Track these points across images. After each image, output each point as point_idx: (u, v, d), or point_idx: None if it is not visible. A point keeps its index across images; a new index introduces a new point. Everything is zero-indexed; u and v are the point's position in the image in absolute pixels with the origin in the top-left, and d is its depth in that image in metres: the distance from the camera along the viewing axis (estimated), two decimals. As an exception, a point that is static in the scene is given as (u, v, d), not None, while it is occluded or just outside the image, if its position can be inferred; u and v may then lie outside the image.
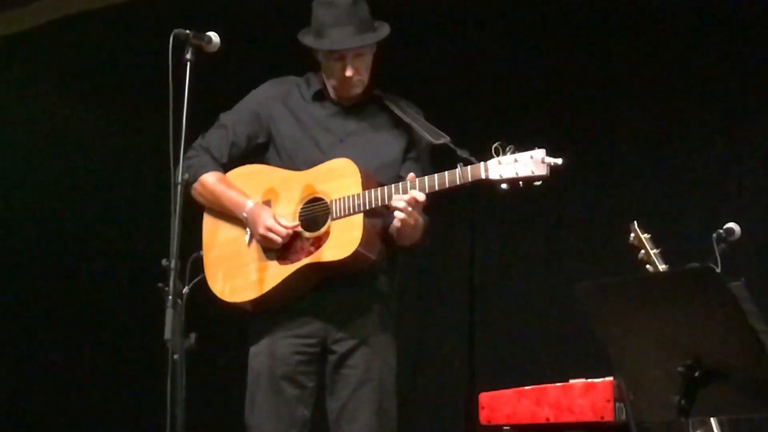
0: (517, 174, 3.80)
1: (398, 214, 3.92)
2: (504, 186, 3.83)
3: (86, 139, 6.88)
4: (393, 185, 3.96)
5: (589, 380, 4.25)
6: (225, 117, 4.28)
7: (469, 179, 3.86)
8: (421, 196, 3.89)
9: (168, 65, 3.70)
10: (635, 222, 4.25)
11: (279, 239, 4.04)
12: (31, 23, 6.85)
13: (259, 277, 4.10)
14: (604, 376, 4.21)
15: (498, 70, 5.86)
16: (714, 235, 4.23)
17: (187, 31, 3.82)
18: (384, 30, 4.12)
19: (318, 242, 4.04)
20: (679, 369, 3.02)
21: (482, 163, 3.85)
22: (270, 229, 4.05)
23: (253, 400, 4.11)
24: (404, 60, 4.28)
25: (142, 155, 6.28)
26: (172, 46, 3.75)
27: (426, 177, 3.92)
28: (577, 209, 5.68)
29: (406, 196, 3.90)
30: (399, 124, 4.19)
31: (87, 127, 6.85)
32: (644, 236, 4.22)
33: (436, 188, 3.90)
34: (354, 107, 4.20)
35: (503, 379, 4.67)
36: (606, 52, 5.66)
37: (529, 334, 5.71)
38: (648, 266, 4.20)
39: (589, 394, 4.23)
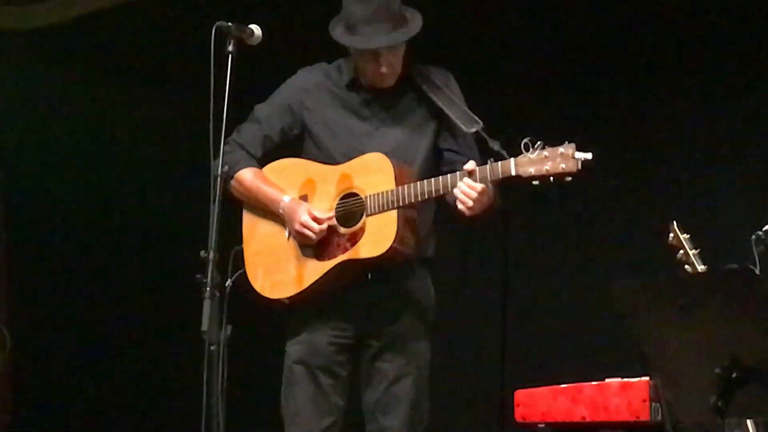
0: (547, 171, 3.77)
1: (464, 202, 3.88)
2: (535, 183, 3.81)
3: (126, 132, 6.90)
4: (426, 181, 3.95)
5: (626, 380, 4.25)
6: (259, 110, 4.27)
7: (500, 176, 3.84)
8: (479, 187, 3.86)
9: (210, 57, 3.72)
10: (675, 222, 4.24)
11: (313, 236, 4.05)
12: (77, 12, 6.87)
13: (298, 274, 4.11)
14: (640, 376, 4.19)
15: (533, 62, 5.81)
16: (753, 236, 4.20)
17: (230, 24, 3.83)
18: (417, 22, 4.08)
19: (354, 238, 4.04)
20: (717, 370, 3.00)
21: (512, 160, 3.82)
22: (304, 225, 4.05)
23: (290, 389, 4.14)
24: (432, 43, 4.22)
25: (183, 147, 6.29)
26: (214, 38, 3.77)
27: (457, 173, 3.90)
28: (615, 208, 5.64)
29: (478, 188, 3.85)
30: (432, 108, 4.15)
31: (128, 119, 6.88)
32: (683, 236, 4.20)
33: None
34: (388, 93, 4.18)
35: (538, 377, 4.66)
36: (648, 44, 5.60)
37: (563, 332, 5.69)
38: (686, 267, 4.18)
39: (626, 393, 4.22)
